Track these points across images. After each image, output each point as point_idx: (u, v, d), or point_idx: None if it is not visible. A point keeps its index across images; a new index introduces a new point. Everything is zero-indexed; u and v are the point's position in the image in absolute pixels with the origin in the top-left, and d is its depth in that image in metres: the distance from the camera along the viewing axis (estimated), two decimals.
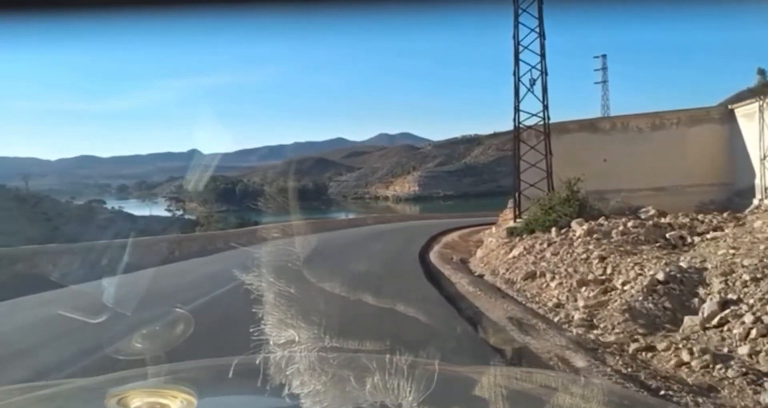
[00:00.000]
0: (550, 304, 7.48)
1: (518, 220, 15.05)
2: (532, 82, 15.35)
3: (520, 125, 16.17)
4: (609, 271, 7.85)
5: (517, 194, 16.03)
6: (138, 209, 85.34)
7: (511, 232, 13.73)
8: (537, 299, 7.99)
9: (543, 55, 15.10)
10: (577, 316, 6.48)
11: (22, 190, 60.18)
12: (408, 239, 20.14)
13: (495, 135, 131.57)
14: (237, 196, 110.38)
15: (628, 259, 7.95)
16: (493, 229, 18.87)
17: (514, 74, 15.56)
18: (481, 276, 10.87)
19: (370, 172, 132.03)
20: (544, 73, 15.24)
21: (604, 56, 66.14)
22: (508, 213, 19.11)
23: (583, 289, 7.50)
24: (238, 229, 27.33)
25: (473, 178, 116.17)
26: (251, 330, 1.40)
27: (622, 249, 8.76)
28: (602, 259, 8.40)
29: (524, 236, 12.68)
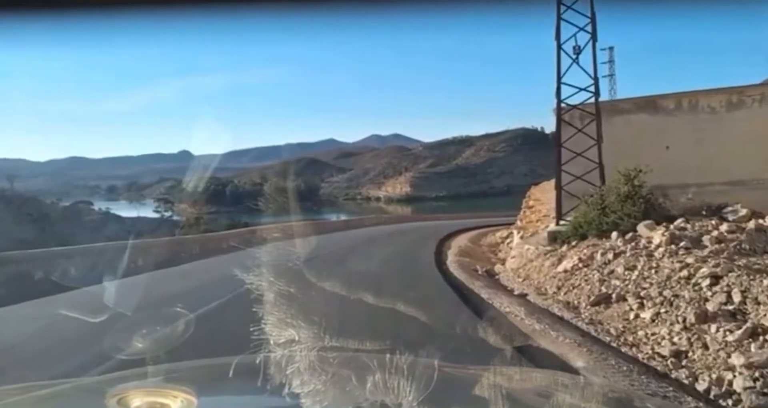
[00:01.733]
0: (662, 351, 4.94)
1: (561, 222, 12.41)
2: (578, 49, 12.25)
3: (563, 104, 13.07)
4: (737, 298, 5.39)
5: (559, 190, 13.16)
6: (126, 210, 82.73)
7: (554, 238, 11.17)
8: (632, 339, 5.51)
9: (593, 17, 11.95)
10: (739, 383, 3.97)
11: (7, 192, 57.94)
12: (415, 244, 17.81)
13: (486, 136, 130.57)
14: (228, 197, 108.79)
15: (765, 282, 5.50)
16: (515, 232, 16.38)
17: (556, 38, 12.51)
18: (523, 296, 8.47)
19: (362, 173, 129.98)
20: (593, 37, 12.13)
21: (611, 49, 61.99)
22: (528, 214, 16.81)
23: (712, 328, 5.01)
24: (223, 232, 24.41)
25: (465, 179, 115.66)
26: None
27: (739, 264, 6.26)
28: (716, 279, 5.94)
29: (573, 243, 10.25)
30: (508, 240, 17.73)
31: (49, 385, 1.73)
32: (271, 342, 1.42)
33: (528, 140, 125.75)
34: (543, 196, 19.96)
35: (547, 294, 8.27)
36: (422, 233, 22.57)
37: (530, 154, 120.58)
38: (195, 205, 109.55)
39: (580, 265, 8.62)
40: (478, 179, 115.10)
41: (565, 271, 8.76)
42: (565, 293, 7.91)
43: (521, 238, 14.04)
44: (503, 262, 13.32)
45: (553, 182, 25.49)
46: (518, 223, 17.36)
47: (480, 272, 11.23)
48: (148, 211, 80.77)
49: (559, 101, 13.06)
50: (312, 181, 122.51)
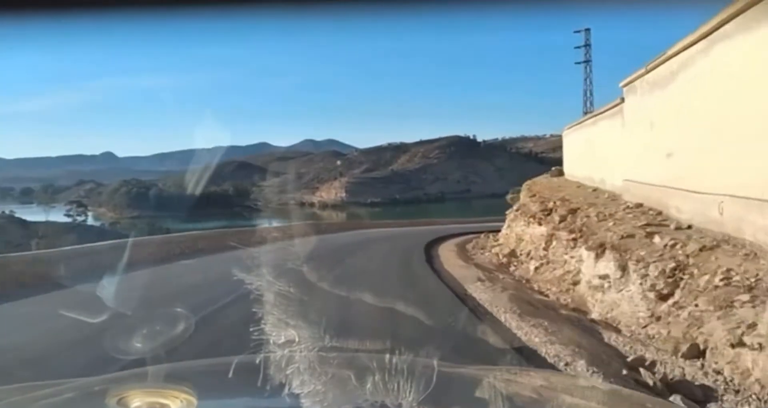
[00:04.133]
0: None
1: None
2: None
3: None
4: None
5: None
6: (35, 215, 76.85)
7: None
8: None
9: None
10: None
11: None
12: (401, 273, 11.53)
13: (421, 142, 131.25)
14: (151, 200, 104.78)
15: None
16: (585, 254, 9.58)
17: None
18: None
19: (295, 178, 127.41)
20: None
21: (587, 30, 50.65)
22: (592, 220, 11.21)
23: None
24: (103, 243, 16.31)
25: (400, 186, 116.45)
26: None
27: None
28: None
29: None
30: (537, 264, 11.79)
31: (49, 385, 1.70)
32: (271, 342, 1.40)
33: (461, 147, 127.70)
34: (556, 193, 15.23)
35: None
36: (387, 246, 17.11)
37: (462, 161, 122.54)
38: (115, 209, 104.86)
39: None
40: (413, 185, 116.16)
41: None
42: None
43: (623, 269, 7.83)
44: (606, 325, 6.94)
45: (553, 179, 20.18)
46: (563, 234, 11.20)
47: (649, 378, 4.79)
48: (59, 215, 75.04)
49: None
50: (242, 185, 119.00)
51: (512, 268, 12.98)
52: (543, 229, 12.98)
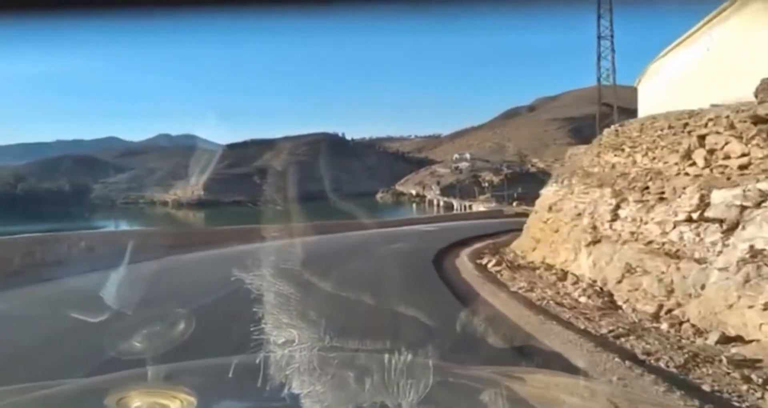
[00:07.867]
0: None
1: None
2: None
3: None
4: None
5: None
6: None
7: None
8: None
9: None
10: None
11: None
12: None
13: (287, 139, 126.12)
14: None
15: None
16: None
17: None
18: None
19: (146, 174, 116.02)
20: None
21: None
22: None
23: None
24: None
25: (266, 183, 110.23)
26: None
27: None
28: None
29: None
30: None
31: (49, 385, 1.68)
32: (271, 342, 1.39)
33: (330, 145, 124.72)
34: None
35: None
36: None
37: (332, 159, 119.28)
38: None
39: None
40: (280, 183, 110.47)
41: None
42: None
43: None
44: None
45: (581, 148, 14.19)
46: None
47: None
48: None
49: None
50: (82, 181, 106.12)
51: None
52: None
